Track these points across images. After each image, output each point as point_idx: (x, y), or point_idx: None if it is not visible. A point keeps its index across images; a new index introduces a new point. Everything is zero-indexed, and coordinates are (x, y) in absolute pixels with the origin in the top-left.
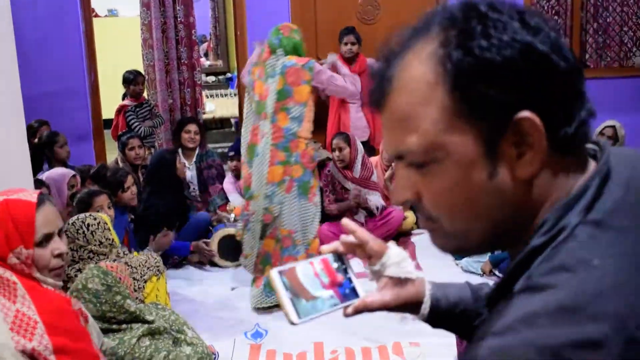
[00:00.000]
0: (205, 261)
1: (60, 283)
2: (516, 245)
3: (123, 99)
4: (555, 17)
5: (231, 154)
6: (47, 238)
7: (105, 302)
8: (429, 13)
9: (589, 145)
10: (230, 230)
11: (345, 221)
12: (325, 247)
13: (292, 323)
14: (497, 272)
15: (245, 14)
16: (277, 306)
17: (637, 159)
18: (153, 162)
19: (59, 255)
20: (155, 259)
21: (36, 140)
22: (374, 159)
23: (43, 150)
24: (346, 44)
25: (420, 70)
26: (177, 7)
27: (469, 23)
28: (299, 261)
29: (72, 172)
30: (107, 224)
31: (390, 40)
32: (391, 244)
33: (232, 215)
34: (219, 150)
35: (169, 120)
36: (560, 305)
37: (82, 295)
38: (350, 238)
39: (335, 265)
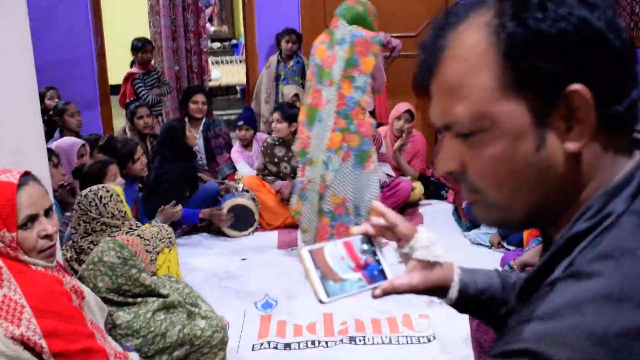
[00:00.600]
0: (218, 227)
1: (53, 264)
2: (556, 225)
3: (131, 66)
4: None
5: (240, 123)
6: (32, 219)
7: (121, 275)
8: None
9: (638, 135)
10: (239, 200)
11: (376, 204)
12: (355, 229)
13: (321, 302)
14: (505, 245)
15: None
16: None
17: None
18: (163, 132)
19: (47, 237)
20: (167, 230)
21: (44, 106)
22: (382, 130)
23: (54, 118)
24: None
25: (473, 39)
26: None
27: None
28: (327, 242)
29: (82, 142)
30: (119, 196)
31: (444, 13)
32: (420, 228)
33: (241, 185)
34: (225, 118)
35: (175, 88)
36: (607, 293)
37: (98, 268)
38: (380, 220)
39: (362, 247)
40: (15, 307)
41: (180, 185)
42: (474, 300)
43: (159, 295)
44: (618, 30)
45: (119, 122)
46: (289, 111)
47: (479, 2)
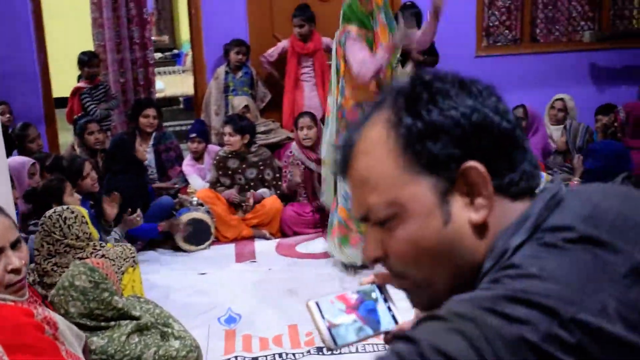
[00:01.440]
0: (174, 242)
1: (24, 297)
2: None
3: (78, 80)
4: None
5: (192, 135)
6: (1, 250)
7: (93, 300)
8: (385, 89)
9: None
10: (195, 214)
11: None
12: (364, 280)
13: (331, 350)
14: None
15: None
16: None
17: (596, 191)
18: (112, 146)
19: (14, 271)
20: (130, 249)
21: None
22: None
23: (14, 141)
24: (295, 26)
25: (376, 135)
26: None
27: (416, 91)
28: (327, 295)
29: (32, 160)
30: (84, 217)
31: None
32: None
33: (195, 199)
34: (169, 129)
35: (122, 101)
36: (486, 296)
37: (70, 293)
38: (383, 269)
39: (355, 296)
40: None
41: (132, 199)
42: None
43: (131, 318)
44: (503, 113)
45: (64, 137)
46: (240, 123)
47: (380, 101)
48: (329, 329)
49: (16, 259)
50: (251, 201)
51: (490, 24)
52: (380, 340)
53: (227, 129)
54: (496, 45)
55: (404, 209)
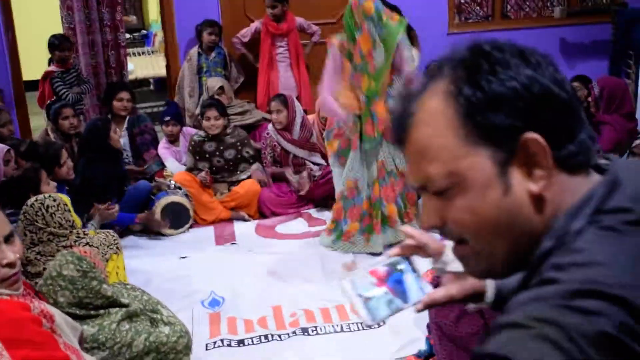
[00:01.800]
0: (155, 230)
1: (18, 291)
2: None
3: (49, 64)
4: None
5: (167, 118)
6: None
7: (81, 289)
8: (441, 58)
9: (602, 161)
10: (173, 198)
11: (406, 228)
12: (391, 252)
13: (368, 325)
14: None
15: None
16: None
17: None
18: (86, 132)
19: (8, 265)
20: (114, 236)
21: None
22: (310, 117)
23: None
24: (267, 7)
25: (435, 105)
26: None
27: (476, 61)
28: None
29: (7, 147)
30: (66, 205)
31: (410, 86)
32: (448, 243)
33: (172, 182)
34: (141, 111)
35: (94, 85)
36: (558, 292)
37: (58, 283)
38: (411, 241)
39: (384, 269)
40: None
41: (109, 187)
42: (508, 299)
43: (120, 305)
44: (561, 83)
45: (34, 121)
46: (222, 106)
47: (437, 71)
48: (364, 304)
49: (10, 253)
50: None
51: (462, 1)
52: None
53: (212, 112)
54: (468, 22)
55: (463, 179)
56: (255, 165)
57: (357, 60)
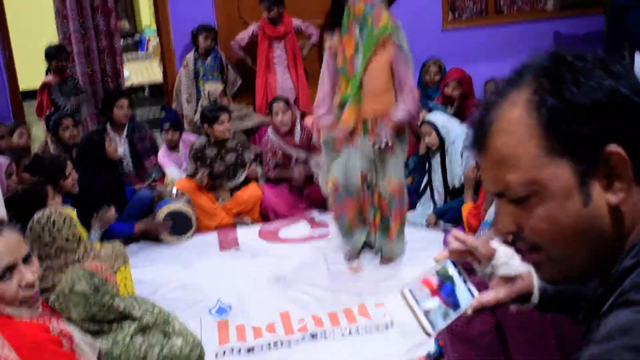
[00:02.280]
0: (158, 238)
1: (38, 311)
2: (610, 270)
3: (46, 74)
4: None
5: (166, 125)
6: (10, 269)
7: (94, 304)
8: (521, 65)
9: None
10: (175, 205)
11: (456, 232)
12: (438, 256)
13: (428, 335)
14: (442, 222)
15: None
16: None
17: None
18: (82, 146)
19: (28, 285)
20: (119, 248)
21: None
22: (309, 120)
23: None
24: (264, 10)
25: (517, 115)
26: None
27: (559, 71)
28: (413, 281)
29: (8, 160)
30: (72, 219)
31: (488, 93)
32: (497, 245)
33: (175, 190)
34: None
35: (90, 93)
36: None
37: (71, 299)
38: (460, 245)
39: (435, 279)
40: None
41: (105, 198)
42: (554, 300)
43: (133, 319)
44: None
45: (32, 132)
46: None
47: (517, 79)
48: (426, 316)
49: (29, 274)
50: (258, 170)
51: None
52: None
53: (226, 116)
54: (462, 19)
55: (543, 189)
56: (254, 165)
57: (340, 62)
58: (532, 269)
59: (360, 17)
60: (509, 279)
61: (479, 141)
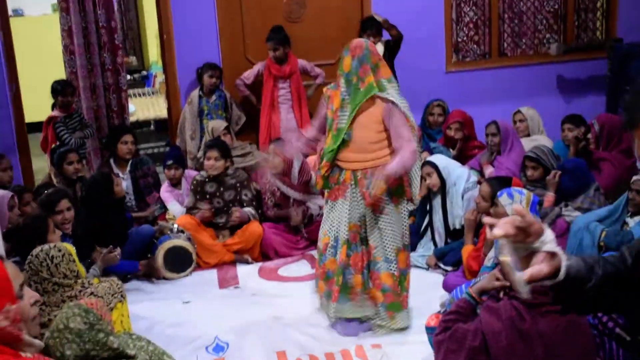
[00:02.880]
0: (157, 277)
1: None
2: None
3: (52, 109)
4: (474, 8)
5: (169, 162)
6: (21, 288)
7: (88, 341)
8: None
9: None
10: (176, 242)
11: (517, 207)
12: (497, 231)
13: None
14: (442, 265)
15: (170, 11)
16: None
17: None
18: (88, 188)
19: (35, 303)
20: (118, 284)
21: None
22: (311, 159)
23: None
24: (270, 49)
25: None
26: (98, 12)
27: None
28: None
29: (10, 193)
30: (71, 255)
31: None
32: (545, 226)
33: (175, 226)
34: (141, 152)
35: (95, 128)
36: None
37: (65, 336)
38: (518, 220)
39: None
40: None
41: (110, 237)
42: (570, 280)
43: (127, 357)
44: None
45: (36, 163)
46: (225, 148)
47: None
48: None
49: (34, 292)
50: (237, 214)
51: (459, 40)
52: None
53: (213, 153)
54: (465, 61)
55: None
56: (247, 209)
57: (329, 113)
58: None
59: (347, 73)
60: (550, 256)
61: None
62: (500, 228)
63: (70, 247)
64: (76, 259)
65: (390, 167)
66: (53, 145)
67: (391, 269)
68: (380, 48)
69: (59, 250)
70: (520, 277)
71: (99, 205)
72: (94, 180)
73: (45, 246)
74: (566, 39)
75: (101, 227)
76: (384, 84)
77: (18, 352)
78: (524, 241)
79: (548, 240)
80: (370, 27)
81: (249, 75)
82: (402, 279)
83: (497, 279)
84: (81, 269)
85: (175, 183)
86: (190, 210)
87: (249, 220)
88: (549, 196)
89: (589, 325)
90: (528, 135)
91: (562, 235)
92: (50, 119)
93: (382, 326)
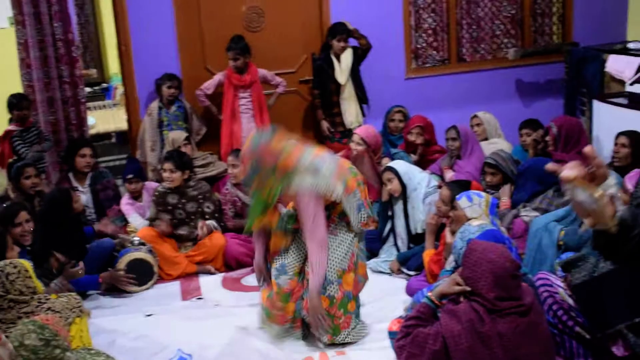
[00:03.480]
0: (120, 288)
1: None
2: None
3: (9, 123)
4: (432, 14)
5: (130, 176)
6: None
7: (44, 358)
8: None
9: None
10: (137, 254)
11: (587, 149)
12: (565, 174)
13: None
14: (405, 270)
15: (127, 23)
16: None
17: None
18: (46, 205)
19: None
20: (76, 298)
21: None
22: None
23: None
24: (230, 59)
25: None
26: (55, 24)
27: None
28: None
29: None
30: (27, 271)
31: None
32: (611, 171)
33: (136, 238)
34: (102, 164)
35: (54, 141)
36: None
37: (20, 353)
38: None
39: None
40: None
41: (70, 252)
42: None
43: None
44: None
45: None
46: (181, 159)
47: None
48: None
49: None
50: (205, 229)
51: (419, 46)
52: None
53: (168, 165)
54: (425, 67)
55: None
56: (209, 222)
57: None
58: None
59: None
60: (612, 200)
61: None
62: (570, 170)
63: (26, 263)
64: (32, 274)
65: (310, 292)
66: (10, 160)
67: (329, 292)
68: (348, 54)
69: (15, 267)
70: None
71: (57, 220)
72: (52, 196)
73: (1, 262)
74: (524, 44)
75: (59, 242)
76: (297, 170)
77: None
78: (588, 184)
79: (613, 184)
80: (341, 32)
81: (209, 85)
82: (345, 301)
83: (457, 284)
84: (38, 284)
85: (137, 196)
86: (152, 221)
87: (211, 231)
88: (505, 201)
89: (549, 324)
90: (486, 139)
91: (521, 236)
92: (7, 133)
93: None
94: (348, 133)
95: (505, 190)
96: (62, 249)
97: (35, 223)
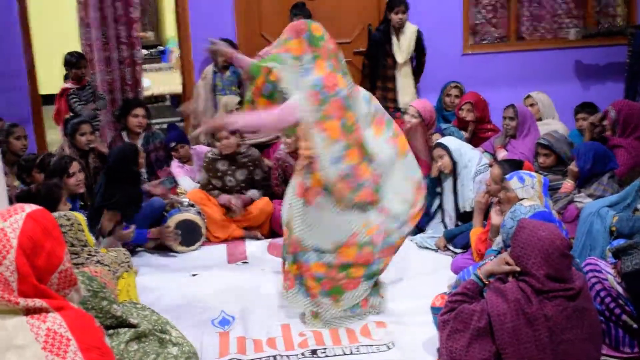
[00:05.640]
0: (170, 244)
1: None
2: None
3: (65, 80)
4: None
5: (172, 144)
6: None
7: (92, 309)
8: None
9: None
10: (186, 215)
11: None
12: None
13: None
14: (451, 247)
15: None
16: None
17: None
18: (115, 158)
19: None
20: (125, 254)
21: None
22: None
23: None
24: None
25: None
26: None
27: None
28: None
29: None
30: (80, 224)
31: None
32: None
33: (186, 199)
34: (156, 127)
35: (109, 101)
36: None
37: None
38: None
39: None
40: (61, 341)
41: (127, 209)
42: None
43: (129, 325)
44: None
45: (49, 135)
46: None
47: None
48: None
49: None
50: (239, 203)
51: (477, 22)
52: None
53: (224, 133)
54: (482, 44)
55: None
56: (251, 191)
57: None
58: None
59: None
60: None
61: None
62: None
63: (80, 217)
64: (85, 228)
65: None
66: (66, 116)
67: (323, 260)
68: (412, 33)
69: (68, 219)
70: None
71: (123, 175)
72: (121, 151)
73: (55, 214)
74: (586, 24)
75: (120, 197)
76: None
77: None
78: None
79: None
80: (398, 3)
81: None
82: (345, 267)
83: (507, 263)
84: (89, 238)
85: (185, 160)
86: (204, 187)
87: (251, 201)
88: (568, 183)
89: (596, 312)
90: (539, 119)
91: (572, 221)
92: (63, 91)
93: (317, 314)
94: (397, 110)
95: (573, 172)
96: (121, 205)
97: (87, 179)
